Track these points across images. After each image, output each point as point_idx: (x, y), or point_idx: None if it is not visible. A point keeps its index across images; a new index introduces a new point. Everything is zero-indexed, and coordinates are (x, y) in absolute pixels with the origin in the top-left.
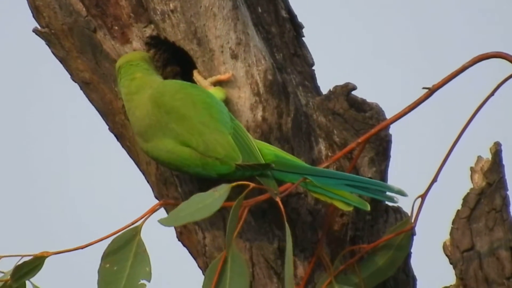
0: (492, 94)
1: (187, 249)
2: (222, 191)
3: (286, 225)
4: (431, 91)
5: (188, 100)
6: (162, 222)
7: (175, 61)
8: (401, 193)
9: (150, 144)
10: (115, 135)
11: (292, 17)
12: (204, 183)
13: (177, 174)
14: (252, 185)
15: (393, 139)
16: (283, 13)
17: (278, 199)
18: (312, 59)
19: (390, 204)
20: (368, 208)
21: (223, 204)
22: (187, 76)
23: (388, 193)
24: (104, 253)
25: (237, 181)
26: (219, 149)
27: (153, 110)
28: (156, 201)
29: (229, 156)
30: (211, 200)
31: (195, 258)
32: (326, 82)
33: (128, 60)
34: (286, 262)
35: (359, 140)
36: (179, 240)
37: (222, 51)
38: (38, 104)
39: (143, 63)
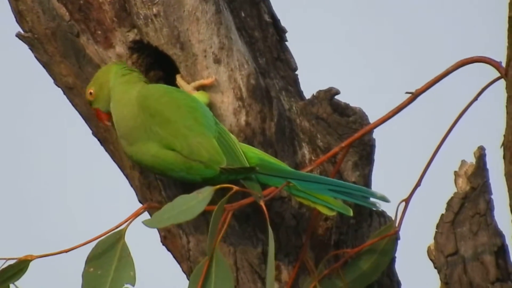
0: (475, 98)
1: (171, 254)
2: (205, 193)
3: (269, 228)
4: (415, 96)
5: (173, 104)
6: (146, 223)
7: (158, 66)
8: (384, 199)
9: (134, 147)
10: (99, 140)
11: (275, 21)
12: (188, 187)
13: (161, 178)
14: (235, 188)
15: (377, 143)
16: (266, 18)
17: (262, 203)
18: (295, 63)
19: (373, 208)
20: (351, 213)
21: (208, 208)
22: (170, 80)
23: (371, 199)
24: (88, 257)
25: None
26: (203, 153)
27: (138, 113)
28: (140, 205)
29: (213, 160)
30: (194, 202)
31: (179, 263)
32: (309, 87)
33: (122, 61)
34: (268, 265)
35: (343, 144)
36: (163, 244)
37: (205, 56)
38: (22, 109)
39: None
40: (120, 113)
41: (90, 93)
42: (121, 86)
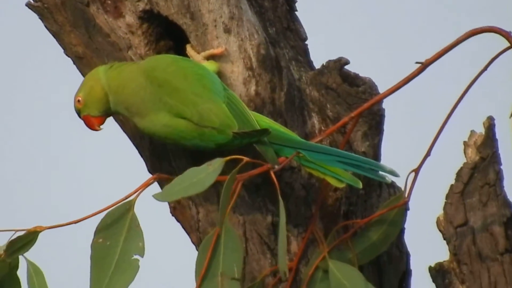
0: (485, 68)
1: (181, 224)
2: (216, 165)
3: (280, 199)
4: (424, 66)
5: (180, 73)
6: (157, 197)
7: (168, 36)
8: (393, 174)
9: (146, 119)
10: None
11: None
12: (198, 157)
13: (171, 148)
14: (245, 159)
15: (386, 113)
16: None
17: (271, 173)
18: (305, 33)
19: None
20: (360, 185)
21: (218, 178)
22: (180, 50)
23: (380, 172)
24: (97, 227)
25: (235, 151)
26: (214, 118)
27: (146, 84)
28: (150, 176)
29: (225, 124)
30: (204, 174)
31: (188, 234)
32: (319, 57)
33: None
34: (280, 237)
35: (352, 114)
36: (172, 215)
37: (215, 26)
38: (34, 76)
39: None
40: (128, 90)
41: (78, 100)
42: (115, 72)
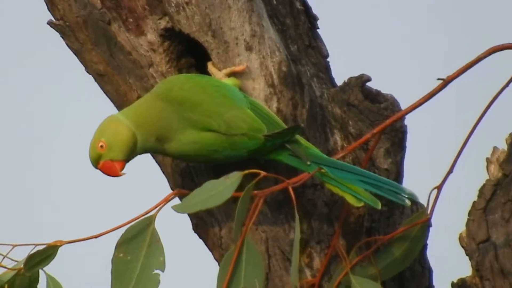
0: (507, 85)
1: (203, 241)
2: (234, 178)
3: (296, 214)
4: (446, 82)
5: (198, 87)
6: (175, 208)
7: (189, 53)
8: (413, 197)
9: (174, 141)
10: None
11: (306, 8)
12: (220, 173)
13: (193, 165)
14: (263, 173)
15: (409, 130)
16: (298, 5)
17: (290, 188)
18: (326, 50)
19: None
20: (379, 206)
21: (237, 194)
22: (201, 68)
23: (401, 194)
24: (118, 242)
25: (268, 155)
26: (242, 124)
27: (165, 106)
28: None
29: (254, 129)
30: (223, 187)
31: (211, 250)
32: (340, 74)
33: None
34: (294, 251)
35: (374, 131)
36: (195, 232)
37: (236, 43)
38: (54, 94)
39: None
40: (153, 118)
41: (101, 146)
42: (132, 109)
